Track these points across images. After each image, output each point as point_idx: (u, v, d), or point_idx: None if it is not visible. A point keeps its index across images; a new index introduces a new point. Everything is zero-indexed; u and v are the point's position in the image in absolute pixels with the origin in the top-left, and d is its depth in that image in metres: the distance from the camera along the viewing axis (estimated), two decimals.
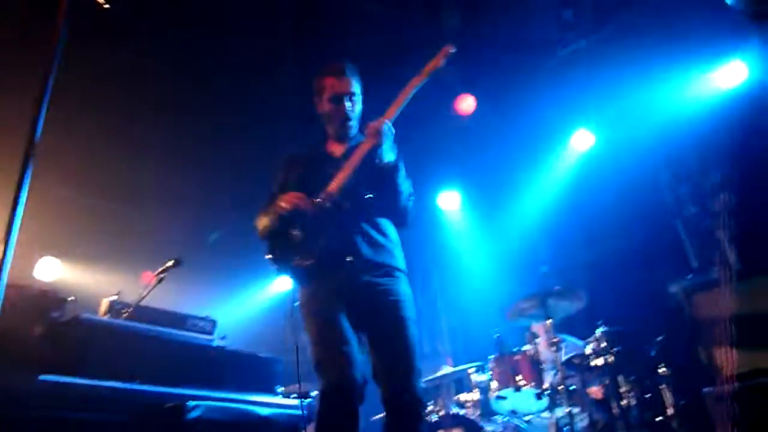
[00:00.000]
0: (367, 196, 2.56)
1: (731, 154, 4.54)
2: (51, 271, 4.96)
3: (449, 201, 6.72)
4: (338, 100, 2.68)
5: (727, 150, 4.63)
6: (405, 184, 2.61)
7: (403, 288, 2.55)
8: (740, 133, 4.58)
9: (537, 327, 4.75)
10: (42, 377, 2.24)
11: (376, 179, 2.55)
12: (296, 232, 2.49)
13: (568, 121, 5.78)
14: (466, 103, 5.51)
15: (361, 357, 2.36)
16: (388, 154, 2.53)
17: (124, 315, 3.00)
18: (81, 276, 5.67)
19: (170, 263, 3.42)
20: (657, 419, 4.06)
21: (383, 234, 2.60)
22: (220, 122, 5.54)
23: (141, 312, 3.07)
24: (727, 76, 4.96)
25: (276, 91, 5.39)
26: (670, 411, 3.90)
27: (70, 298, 2.71)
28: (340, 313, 2.39)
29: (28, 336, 2.36)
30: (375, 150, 2.51)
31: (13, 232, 1.46)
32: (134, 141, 5.38)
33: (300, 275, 2.51)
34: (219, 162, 5.82)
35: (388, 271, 2.54)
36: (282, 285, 6.80)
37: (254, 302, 6.62)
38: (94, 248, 5.69)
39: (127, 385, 2.53)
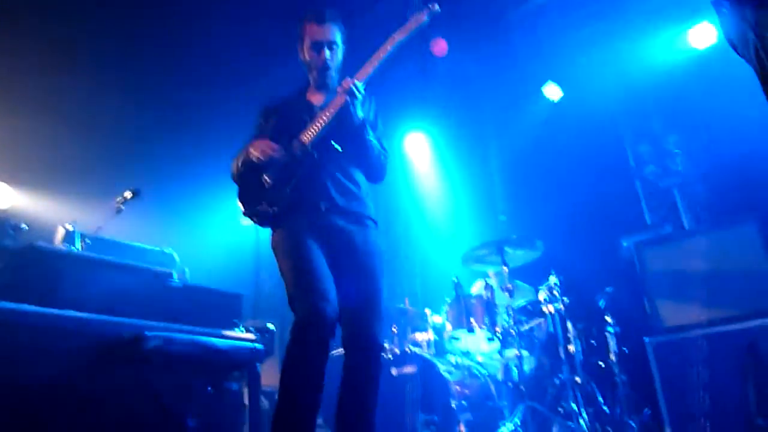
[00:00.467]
0: (336, 147, 2.57)
1: (694, 115, 4.64)
2: (3, 197, 4.80)
3: (415, 144, 6.71)
4: (318, 48, 2.65)
5: (689, 111, 4.73)
6: (375, 142, 2.62)
7: (375, 238, 2.59)
8: (702, 95, 4.67)
9: (493, 273, 4.90)
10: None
11: (347, 134, 2.57)
12: (267, 179, 2.50)
13: (538, 72, 5.76)
14: (440, 46, 5.42)
15: (335, 293, 2.38)
16: (357, 114, 2.52)
17: (81, 245, 2.95)
18: (36, 204, 5.51)
19: (128, 194, 3.35)
20: (600, 364, 4.30)
21: (354, 182, 2.62)
22: (183, 49, 5.33)
23: (99, 243, 3.03)
24: (696, 36, 5.00)
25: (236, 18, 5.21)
26: (612, 357, 4.13)
27: (23, 225, 2.65)
28: (314, 250, 2.42)
29: None
30: (344, 108, 2.50)
31: None
32: (90, 67, 5.15)
33: (269, 220, 2.53)
34: (180, 92, 5.64)
35: (360, 219, 2.58)
36: (245, 221, 6.74)
37: (217, 237, 6.58)
38: (49, 176, 5.52)
39: (84, 315, 2.51)
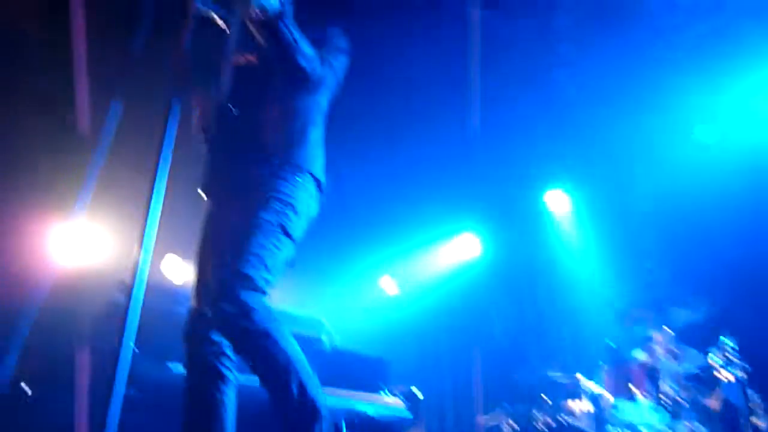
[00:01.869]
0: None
1: None
2: (178, 269, 5.35)
3: (555, 200, 6.51)
4: None
5: None
6: (294, 34, 1.89)
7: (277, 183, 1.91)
8: None
9: (654, 335, 4.51)
10: (170, 365, 2.43)
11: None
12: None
13: (689, 113, 5.38)
14: None
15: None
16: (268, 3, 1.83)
17: None
18: None
19: None
20: None
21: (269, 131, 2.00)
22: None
23: None
24: None
25: None
26: None
27: None
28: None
29: (160, 329, 2.56)
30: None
31: (148, 236, 1.58)
32: None
33: None
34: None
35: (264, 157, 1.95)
36: (389, 285, 6.92)
37: (362, 300, 6.77)
38: None
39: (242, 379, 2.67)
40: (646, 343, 4.37)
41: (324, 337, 3.41)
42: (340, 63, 2.15)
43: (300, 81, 1.99)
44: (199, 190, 2.09)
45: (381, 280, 6.89)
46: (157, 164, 1.65)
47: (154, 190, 1.62)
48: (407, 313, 6.79)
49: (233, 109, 2.01)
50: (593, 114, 5.51)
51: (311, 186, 2.00)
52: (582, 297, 6.07)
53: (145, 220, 1.60)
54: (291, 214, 1.89)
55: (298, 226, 1.93)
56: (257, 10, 1.83)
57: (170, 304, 2.71)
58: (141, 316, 1.54)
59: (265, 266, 1.78)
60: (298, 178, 1.94)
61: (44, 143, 4.38)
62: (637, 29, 4.92)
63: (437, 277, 6.85)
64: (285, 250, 1.87)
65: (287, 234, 1.87)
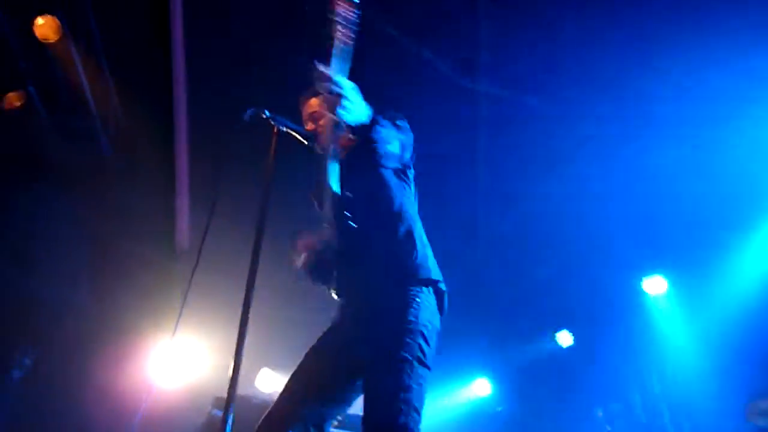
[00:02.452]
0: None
1: None
2: (271, 382, 5.38)
3: (655, 287, 6.13)
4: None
5: None
6: (383, 133, 2.01)
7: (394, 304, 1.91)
8: None
9: None
10: None
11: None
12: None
13: None
14: None
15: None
16: (355, 114, 1.89)
17: (335, 424, 3.13)
18: None
19: None
20: None
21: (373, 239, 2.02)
22: None
23: (351, 420, 3.18)
24: None
25: None
26: None
27: None
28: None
29: None
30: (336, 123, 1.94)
31: (241, 350, 1.63)
32: None
33: None
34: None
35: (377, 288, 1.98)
36: (481, 389, 6.62)
37: (451, 405, 6.53)
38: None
39: None
40: None
41: None
42: (408, 142, 2.20)
43: (392, 169, 2.10)
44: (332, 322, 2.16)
45: (475, 383, 6.63)
46: (249, 281, 1.73)
47: (245, 304, 1.68)
48: (503, 416, 6.44)
49: (348, 221, 1.99)
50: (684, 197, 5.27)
51: (432, 299, 1.97)
52: (699, 387, 5.55)
53: (239, 337, 1.65)
54: (423, 344, 1.85)
55: (431, 353, 1.88)
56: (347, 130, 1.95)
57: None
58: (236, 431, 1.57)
59: (415, 409, 1.74)
60: (419, 298, 1.92)
61: (144, 266, 4.66)
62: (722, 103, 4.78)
63: (529, 375, 6.52)
64: (426, 382, 1.82)
65: (425, 365, 1.83)
